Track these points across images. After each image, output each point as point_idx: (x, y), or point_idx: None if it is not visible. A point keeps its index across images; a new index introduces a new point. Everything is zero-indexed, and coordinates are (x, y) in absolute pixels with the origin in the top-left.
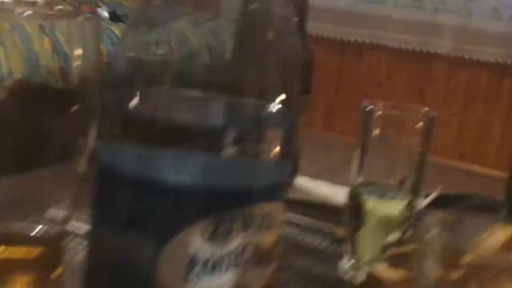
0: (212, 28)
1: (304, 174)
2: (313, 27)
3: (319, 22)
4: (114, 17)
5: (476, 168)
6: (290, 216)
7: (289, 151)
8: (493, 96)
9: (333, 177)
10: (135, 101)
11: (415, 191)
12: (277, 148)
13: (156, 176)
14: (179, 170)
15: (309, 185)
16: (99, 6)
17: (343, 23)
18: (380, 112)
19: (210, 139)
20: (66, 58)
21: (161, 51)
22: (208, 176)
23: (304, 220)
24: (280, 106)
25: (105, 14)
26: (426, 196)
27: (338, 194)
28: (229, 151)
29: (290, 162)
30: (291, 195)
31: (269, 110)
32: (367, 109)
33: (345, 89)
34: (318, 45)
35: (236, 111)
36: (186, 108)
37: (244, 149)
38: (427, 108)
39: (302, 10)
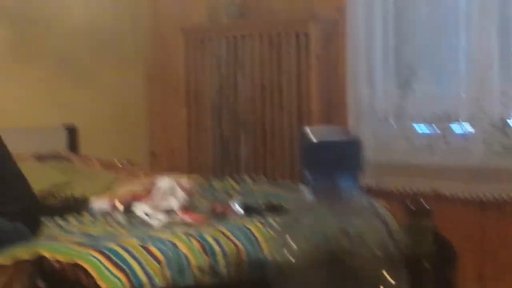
0: None
1: None
2: (445, 187)
3: (451, 180)
4: (248, 209)
5: None
6: None
7: None
8: None
9: None
10: None
11: None
12: None
13: None
14: None
15: None
16: (231, 197)
17: (478, 180)
18: None
19: None
20: (214, 256)
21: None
22: None
23: None
24: None
25: (239, 209)
26: None
27: None
28: None
29: None
30: None
31: None
32: None
33: (492, 250)
34: (453, 204)
35: None
36: None
37: None
38: None
39: None
